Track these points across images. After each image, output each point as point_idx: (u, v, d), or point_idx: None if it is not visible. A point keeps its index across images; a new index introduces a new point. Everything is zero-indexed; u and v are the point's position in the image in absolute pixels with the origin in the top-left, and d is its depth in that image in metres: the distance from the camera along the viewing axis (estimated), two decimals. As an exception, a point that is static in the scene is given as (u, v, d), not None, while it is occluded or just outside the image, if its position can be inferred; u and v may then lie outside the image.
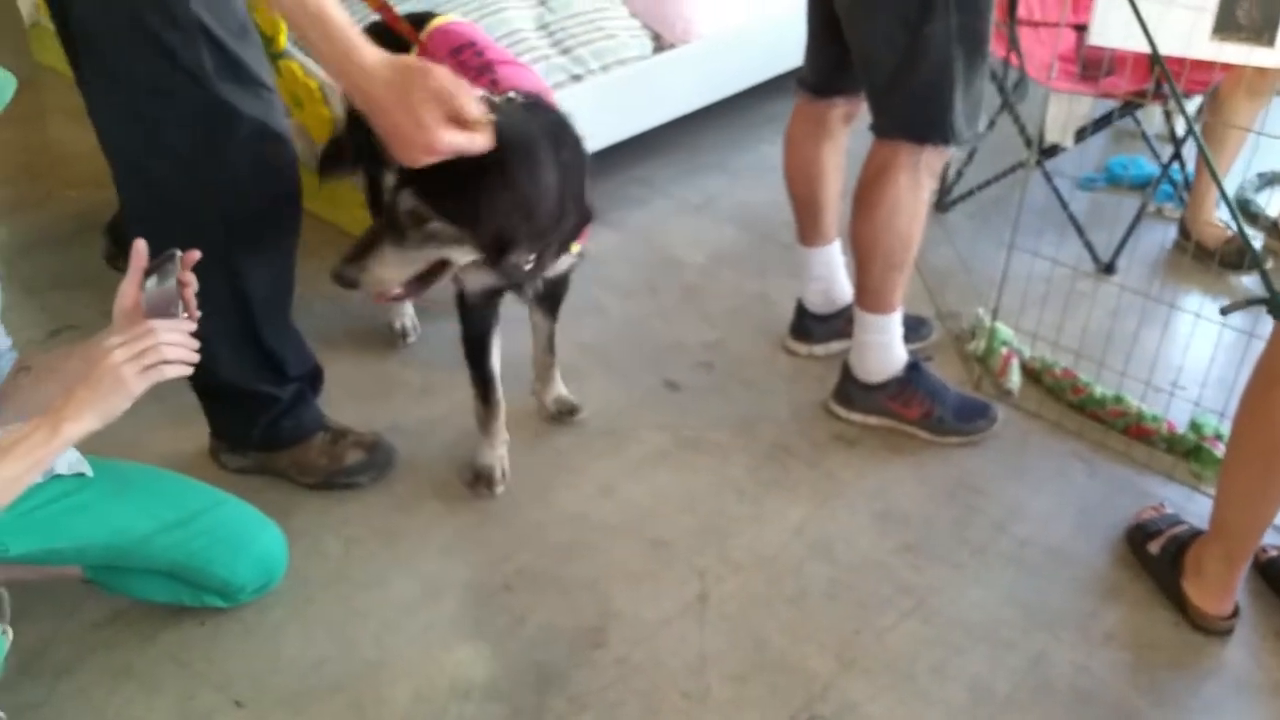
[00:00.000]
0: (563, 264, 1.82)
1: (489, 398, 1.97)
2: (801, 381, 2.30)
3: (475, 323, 1.91)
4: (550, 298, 2.04)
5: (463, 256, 1.55)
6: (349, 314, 2.47)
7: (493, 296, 1.86)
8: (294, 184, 1.81)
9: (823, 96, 2.11)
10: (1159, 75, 2.17)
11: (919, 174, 1.91)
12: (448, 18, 1.93)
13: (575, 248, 1.78)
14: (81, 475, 1.58)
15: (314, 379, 2.03)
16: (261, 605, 1.77)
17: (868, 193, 1.96)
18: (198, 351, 1.83)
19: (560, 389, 2.19)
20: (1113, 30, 1.93)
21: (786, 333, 2.39)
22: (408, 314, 2.40)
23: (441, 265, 1.57)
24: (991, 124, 2.83)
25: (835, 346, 2.34)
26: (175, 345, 1.32)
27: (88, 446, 1.62)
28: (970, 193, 2.86)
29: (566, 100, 2.67)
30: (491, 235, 1.51)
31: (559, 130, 1.62)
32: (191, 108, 1.63)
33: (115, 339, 1.29)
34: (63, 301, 2.58)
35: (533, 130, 1.54)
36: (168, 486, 1.67)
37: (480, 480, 2.00)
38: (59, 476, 1.56)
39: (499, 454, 2.01)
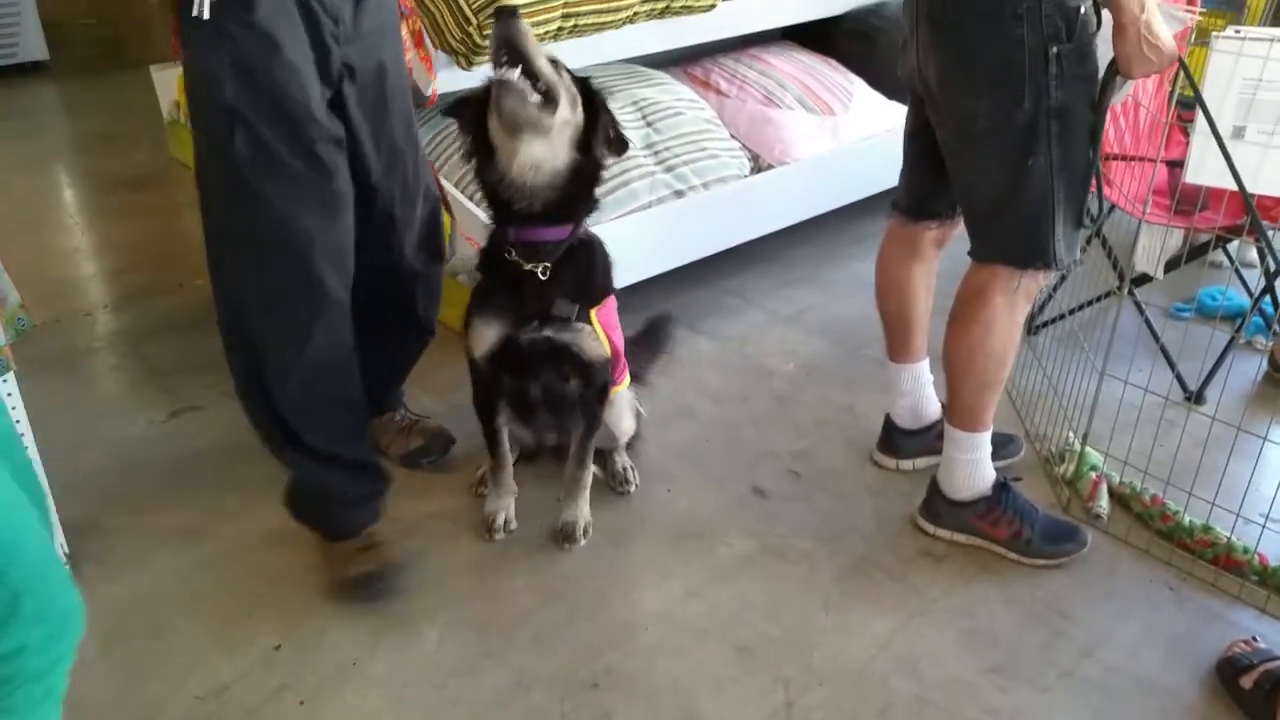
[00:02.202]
0: (571, 333, 1.98)
1: (495, 451, 2.19)
2: (888, 495, 2.34)
3: (479, 385, 2.13)
4: (584, 396, 2.09)
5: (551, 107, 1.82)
6: (453, 407, 2.59)
7: (501, 354, 2.01)
8: (310, 278, 1.85)
9: (917, 220, 2.20)
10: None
11: (1015, 297, 1.97)
12: None
13: (595, 326, 1.99)
14: None
15: (361, 471, 2.06)
16: (361, 688, 1.85)
17: (963, 313, 2.02)
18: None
19: (573, 513, 2.17)
20: (1209, 169, 1.99)
21: (874, 446, 2.44)
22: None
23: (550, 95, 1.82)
24: (1082, 251, 2.89)
25: (922, 462, 2.38)
26: None
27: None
28: (1060, 317, 2.90)
29: (670, 214, 2.85)
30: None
31: None
32: (222, 186, 1.80)
33: None
34: (185, 384, 2.75)
35: None
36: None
37: (483, 524, 2.19)
38: None
39: (504, 503, 2.21)
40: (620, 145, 1.93)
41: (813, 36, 3.66)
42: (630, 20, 2.73)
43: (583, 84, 1.91)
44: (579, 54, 2.84)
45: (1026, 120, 1.83)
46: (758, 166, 3.10)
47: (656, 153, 2.92)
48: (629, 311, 2.64)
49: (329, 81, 1.83)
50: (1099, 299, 2.89)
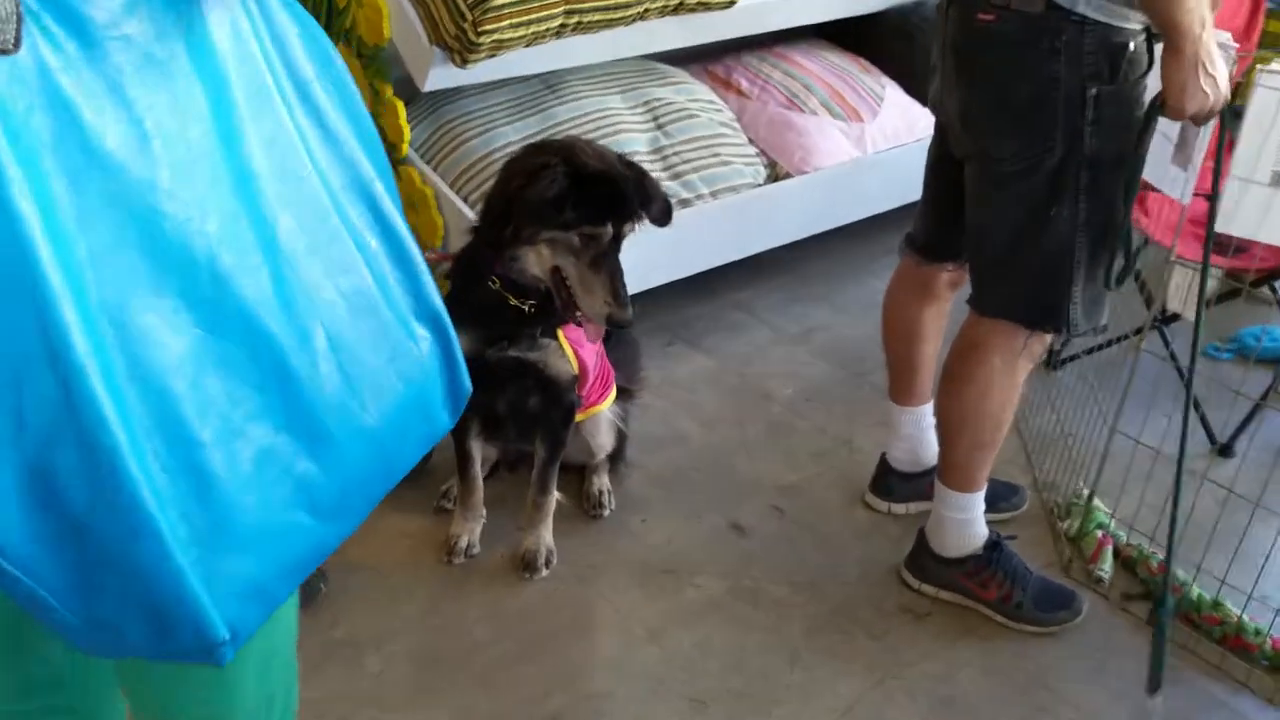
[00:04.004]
0: (539, 351, 1.91)
1: (465, 473, 2.09)
2: (875, 541, 2.20)
3: None
4: (547, 418, 2.02)
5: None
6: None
7: (469, 368, 1.93)
8: None
9: (932, 261, 2.03)
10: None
11: (1016, 356, 1.82)
12: None
13: (561, 342, 1.92)
14: None
15: None
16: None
17: (958, 369, 1.87)
18: None
19: (535, 541, 2.07)
20: (1243, 220, 1.80)
21: (867, 485, 2.30)
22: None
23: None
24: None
25: (915, 507, 2.23)
26: None
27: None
28: (1087, 351, 2.70)
29: (673, 224, 2.70)
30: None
31: None
32: None
33: None
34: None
35: None
36: None
37: (445, 547, 2.10)
38: None
39: (469, 527, 2.11)
40: (667, 212, 1.97)
41: (850, 35, 3.48)
42: (641, 17, 2.58)
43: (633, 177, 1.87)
44: (592, 51, 2.71)
45: (1054, 167, 1.66)
46: (775, 174, 2.95)
47: (665, 158, 2.78)
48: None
49: None
50: (1128, 336, 2.69)
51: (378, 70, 2.55)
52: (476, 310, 1.89)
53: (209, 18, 0.75)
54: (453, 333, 0.96)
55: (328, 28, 2.66)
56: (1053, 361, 2.75)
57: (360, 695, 1.82)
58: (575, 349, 1.94)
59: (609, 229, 1.76)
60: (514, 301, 1.86)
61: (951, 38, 1.74)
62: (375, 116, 2.58)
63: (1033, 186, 1.69)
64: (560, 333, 1.91)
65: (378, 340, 0.87)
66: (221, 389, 0.74)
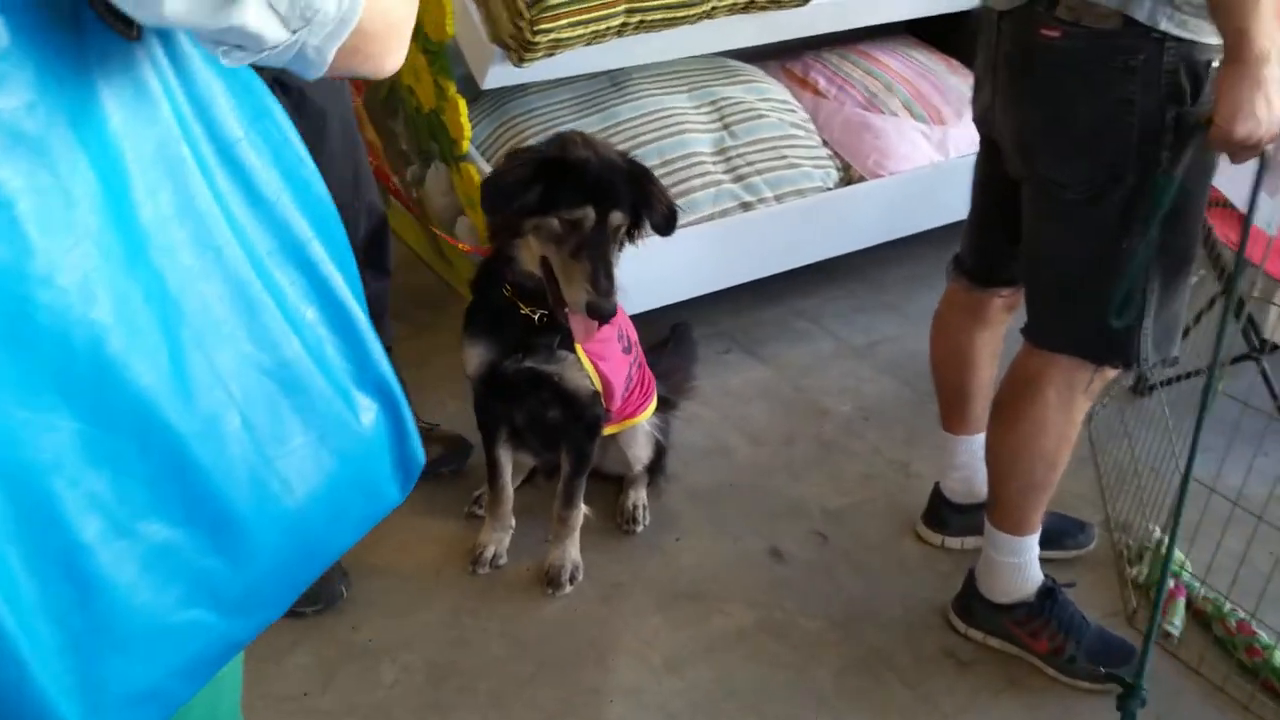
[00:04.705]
0: (555, 364, 1.86)
1: (494, 482, 2.05)
2: (923, 575, 2.07)
3: (477, 407, 2.02)
4: (569, 431, 1.96)
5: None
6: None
7: (489, 378, 1.91)
8: None
9: (984, 287, 1.89)
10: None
11: (1074, 393, 1.67)
12: None
13: (579, 356, 1.85)
14: None
15: None
16: (301, 724, 1.75)
17: (1010, 405, 1.74)
18: None
19: (560, 556, 2.02)
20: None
21: (919, 515, 2.17)
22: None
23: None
24: (1210, 304, 2.49)
25: (971, 542, 2.09)
26: None
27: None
28: (1165, 382, 2.48)
29: (733, 228, 2.60)
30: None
31: None
32: None
33: None
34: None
35: None
36: None
37: (471, 556, 2.06)
38: None
39: (497, 537, 2.07)
40: (670, 221, 1.83)
41: (941, 34, 3.30)
42: (709, 15, 2.48)
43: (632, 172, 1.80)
44: (659, 48, 2.61)
45: (1126, 196, 1.52)
46: (848, 177, 2.81)
47: (728, 159, 2.67)
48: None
49: None
50: (1230, 361, 2.47)
51: (441, 66, 2.51)
52: (491, 320, 1.87)
53: (99, 84, 0.69)
54: (404, 401, 0.89)
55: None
56: (1139, 387, 2.55)
57: (370, 707, 1.79)
58: (596, 363, 1.86)
59: (589, 212, 1.68)
60: (525, 310, 1.82)
61: (1006, 53, 1.60)
62: (438, 113, 2.57)
63: (1101, 215, 1.55)
64: (580, 347, 1.85)
65: (307, 416, 0.81)
66: (106, 486, 0.69)
